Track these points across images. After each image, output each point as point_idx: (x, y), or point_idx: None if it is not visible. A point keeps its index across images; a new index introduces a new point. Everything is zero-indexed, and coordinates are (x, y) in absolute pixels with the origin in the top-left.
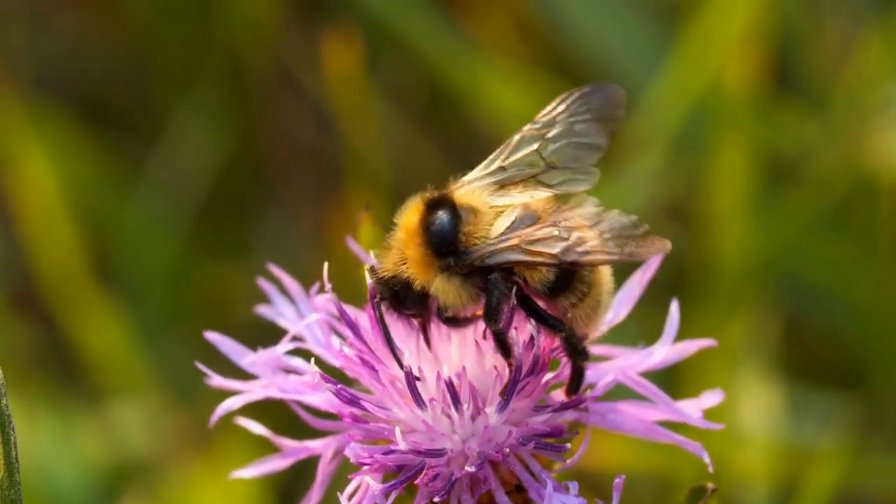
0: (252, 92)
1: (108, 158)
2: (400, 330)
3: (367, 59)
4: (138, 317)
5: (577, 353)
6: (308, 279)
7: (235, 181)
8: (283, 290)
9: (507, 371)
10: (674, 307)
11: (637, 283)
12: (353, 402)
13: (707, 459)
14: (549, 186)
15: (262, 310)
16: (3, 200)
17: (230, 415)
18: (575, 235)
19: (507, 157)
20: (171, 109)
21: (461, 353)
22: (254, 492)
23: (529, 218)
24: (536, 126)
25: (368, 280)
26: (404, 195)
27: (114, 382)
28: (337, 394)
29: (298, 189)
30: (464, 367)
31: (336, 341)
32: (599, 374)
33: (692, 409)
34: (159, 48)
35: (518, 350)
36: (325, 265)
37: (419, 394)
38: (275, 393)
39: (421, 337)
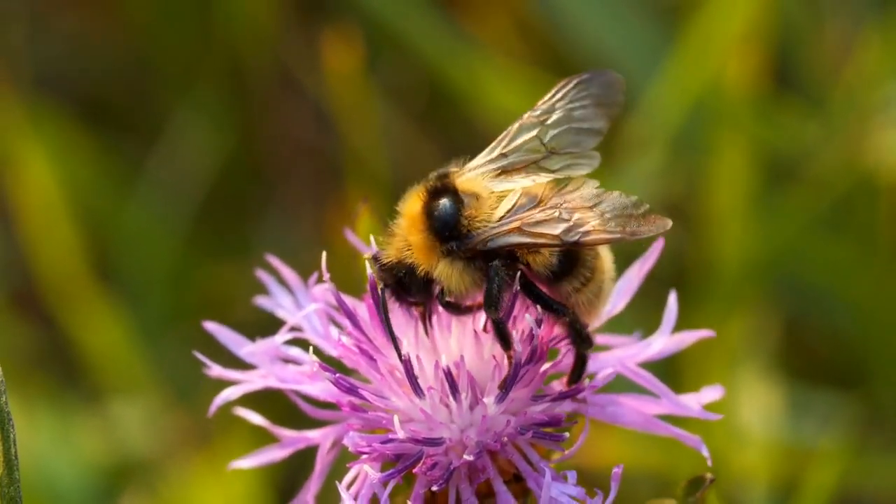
0: (252, 92)
1: (108, 158)
2: (399, 319)
3: (367, 58)
4: (138, 316)
5: (581, 340)
6: (308, 277)
7: (235, 181)
8: (282, 282)
9: (505, 361)
10: (672, 298)
11: (636, 275)
12: (351, 391)
13: (706, 453)
14: (551, 171)
15: (261, 300)
16: (3, 200)
17: (230, 414)
18: (576, 216)
19: (507, 144)
20: (170, 109)
21: (460, 343)
22: (253, 490)
23: (530, 202)
24: (536, 113)
25: (371, 268)
26: (404, 194)
27: (113, 382)
28: (335, 383)
29: (298, 189)
30: (462, 357)
31: (334, 331)
32: (598, 365)
33: (691, 402)
34: (159, 48)
35: (517, 341)
36: (324, 255)
37: (417, 383)
38: (273, 383)
39: (420, 326)
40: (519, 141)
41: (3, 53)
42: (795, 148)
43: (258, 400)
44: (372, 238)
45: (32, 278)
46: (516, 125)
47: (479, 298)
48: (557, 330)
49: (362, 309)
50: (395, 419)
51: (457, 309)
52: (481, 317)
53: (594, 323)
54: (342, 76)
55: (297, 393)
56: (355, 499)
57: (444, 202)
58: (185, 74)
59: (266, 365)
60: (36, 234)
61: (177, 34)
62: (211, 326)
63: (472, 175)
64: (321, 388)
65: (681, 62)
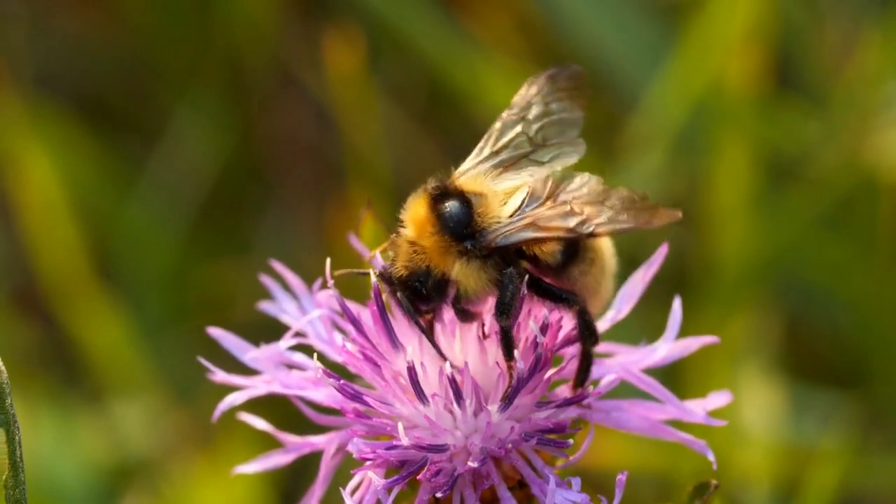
0: (252, 91)
1: (108, 158)
2: (403, 325)
3: (368, 57)
4: (139, 316)
5: (589, 333)
6: (308, 278)
7: (236, 180)
8: (286, 287)
9: (507, 371)
10: (676, 303)
11: (640, 280)
12: (355, 397)
13: (712, 458)
14: (542, 163)
15: (265, 306)
16: (3, 200)
17: (232, 413)
18: (587, 210)
19: (495, 143)
20: (171, 109)
21: (464, 349)
22: (255, 491)
23: (537, 197)
24: (514, 111)
25: (379, 281)
26: (405, 194)
27: (115, 381)
28: (340, 389)
29: (299, 188)
30: (466, 363)
31: (338, 337)
32: (602, 371)
33: (697, 407)
34: (160, 48)
35: (517, 352)
36: (328, 261)
37: (422, 389)
38: (277, 388)
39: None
40: (506, 138)
41: (4, 53)
42: (796, 147)
43: (260, 405)
44: (378, 253)
45: (33, 278)
46: (498, 124)
47: (489, 303)
48: (564, 330)
49: (366, 315)
50: (400, 426)
51: (467, 315)
52: (485, 323)
53: (601, 306)
54: (343, 75)
55: (302, 399)
56: None
57: (454, 203)
58: (185, 74)
59: (270, 370)
60: (37, 233)
61: (177, 34)
62: (215, 332)
63: (471, 175)
64: (325, 394)
65: (682, 62)
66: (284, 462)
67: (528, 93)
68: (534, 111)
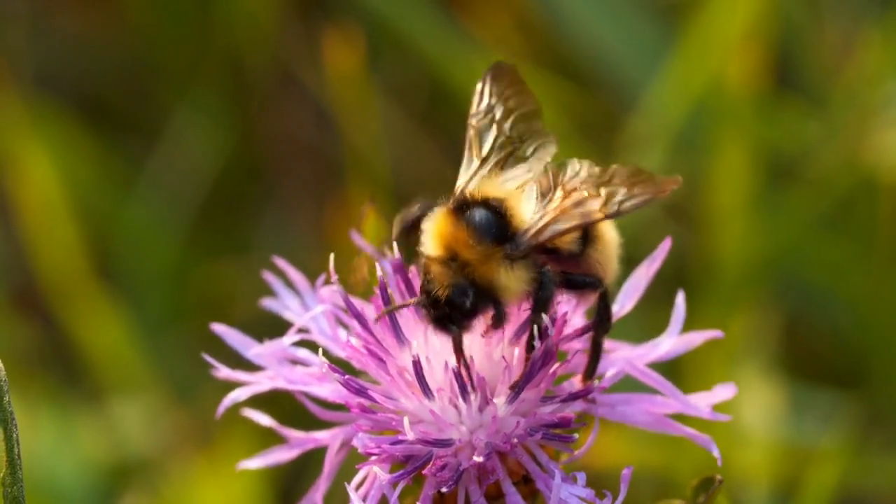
0: (252, 91)
1: (108, 157)
2: (408, 321)
3: (368, 57)
4: (138, 315)
5: (606, 317)
6: (309, 277)
7: (236, 180)
8: (288, 283)
9: (515, 363)
10: (680, 298)
11: (643, 275)
12: (360, 392)
13: (716, 452)
14: (527, 158)
15: (268, 302)
16: (3, 199)
17: (231, 412)
18: (603, 191)
19: (479, 151)
20: (171, 108)
21: (468, 344)
22: (254, 489)
23: (546, 191)
24: (479, 117)
25: (425, 311)
26: (405, 193)
27: (114, 380)
28: (345, 384)
29: (299, 188)
30: (472, 358)
31: (342, 333)
32: (606, 366)
33: (701, 402)
34: (159, 47)
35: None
36: (332, 256)
37: (427, 384)
38: (282, 384)
39: (428, 328)
40: (488, 144)
41: (4, 53)
42: (796, 147)
43: (262, 402)
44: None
45: (33, 277)
46: (472, 132)
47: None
48: (570, 324)
49: (370, 310)
50: (405, 420)
51: (503, 320)
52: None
53: (612, 280)
54: (343, 75)
55: (306, 394)
56: (364, 500)
57: (483, 211)
58: (185, 74)
59: (274, 366)
60: (37, 233)
61: (177, 33)
62: (218, 328)
63: (481, 183)
64: (330, 389)
65: (682, 61)
66: (288, 458)
67: (482, 97)
68: (498, 112)
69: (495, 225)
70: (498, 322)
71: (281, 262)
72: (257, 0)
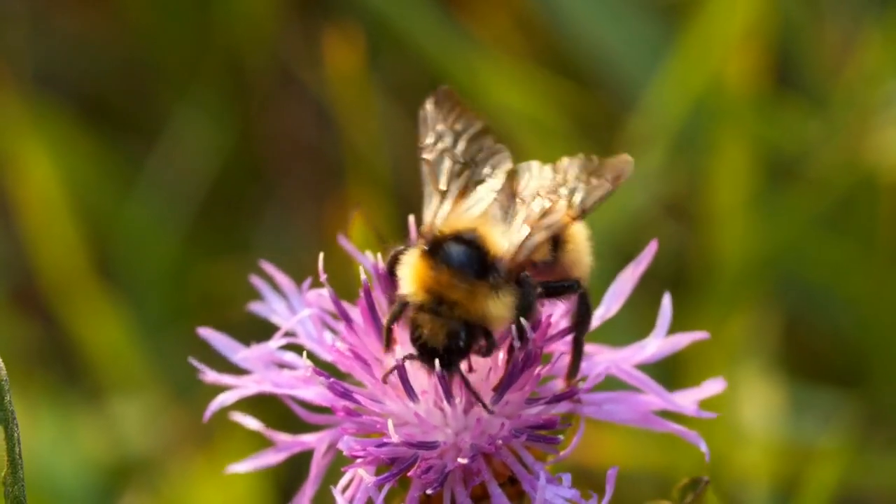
0: (252, 90)
1: (108, 156)
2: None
3: (368, 57)
4: (138, 314)
5: (587, 316)
6: (308, 277)
7: (235, 179)
8: (276, 287)
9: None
10: (666, 300)
11: (629, 277)
12: (345, 395)
13: (704, 448)
14: (485, 179)
15: (256, 306)
16: (3, 199)
17: (228, 411)
18: (563, 192)
19: (436, 184)
20: (171, 108)
21: None
22: (254, 488)
23: (509, 208)
24: (429, 147)
25: (424, 364)
26: (405, 193)
27: (114, 380)
28: (330, 387)
29: (298, 187)
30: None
31: (328, 336)
32: (592, 367)
33: (688, 399)
34: (159, 47)
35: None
36: (321, 256)
37: (411, 387)
38: (268, 388)
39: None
40: (444, 175)
41: (4, 52)
42: (796, 146)
43: (254, 404)
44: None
45: (33, 276)
46: (425, 168)
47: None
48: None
49: (356, 313)
50: (390, 423)
51: (494, 348)
52: None
53: (587, 272)
54: (342, 74)
55: (292, 398)
56: (350, 502)
57: (457, 247)
58: (185, 73)
59: (260, 370)
60: (36, 232)
61: (177, 33)
62: (205, 332)
63: (443, 218)
64: (315, 392)
65: (681, 61)
66: (276, 461)
67: (428, 127)
68: (447, 139)
69: (474, 259)
70: (489, 351)
71: (268, 266)
72: None
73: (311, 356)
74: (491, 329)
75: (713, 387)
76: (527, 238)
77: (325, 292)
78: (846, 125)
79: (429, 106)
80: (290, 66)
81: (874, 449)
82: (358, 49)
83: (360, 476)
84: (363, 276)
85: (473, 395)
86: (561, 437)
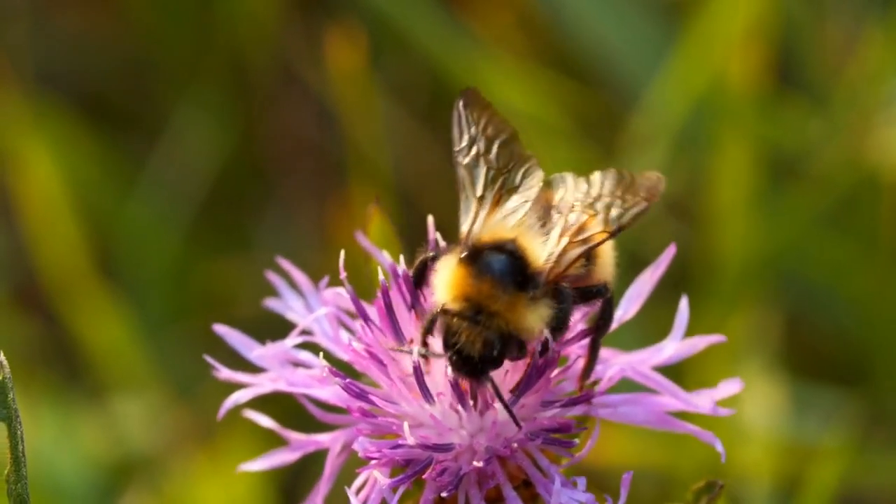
0: (254, 89)
1: (110, 155)
2: (408, 325)
3: (370, 55)
4: (140, 313)
5: (609, 319)
6: (310, 276)
7: (237, 178)
8: (292, 284)
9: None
10: (683, 303)
11: (647, 281)
12: (361, 396)
13: (720, 448)
14: (518, 187)
15: (271, 303)
16: (5, 197)
17: (233, 410)
18: (599, 206)
19: (473, 190)
20: (173, 106)
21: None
22: (256, 488)
23: (546, 219)
24: (464, 153)
25: (457, 375)
26: (407, 192)
27: (116, 378)
28: (345, 388)
29: (300, 186)
30: None
31: (344, 335)
32: (607, 369)
33: (705, 399)
34: (161, 45)
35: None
36: (342, 254)
37: (427, 388)
38: (283, 386)
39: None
40: (480, 181)
41: (6, 51)
42: (798, 145)
43: (264, 402)
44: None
45: (35, 275)
46: (462, 171)
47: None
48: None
49: (372, 312)
50: (405, 425)
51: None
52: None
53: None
54: (345, 73)
55: (307, 397)
56: None
57: (498, 257)
58: (187, 71)
59: (276, 368)
60: (38, 230)
61: (179, 31)
62: (221, 329)
63: (480, 226)
64: (331, 392)
65: (683, 59)
66: (289, 460)
67: (461, 132)
68: (481, 144)
69: (516, 269)
70: (519, 358)
71: (285, 263)
72: None
73: (326, 355)
74: (525, 340)
75: (730, 387)
76: (564, 252)
77: (342, 291)
78: (848, 124)
79: (460, 107)
80: (293, 65)
81: (876, 448)
82: (360, 48)
83: (375, 477)
84: (381, 276)
85: (505, 407)
86: (576, 440)
